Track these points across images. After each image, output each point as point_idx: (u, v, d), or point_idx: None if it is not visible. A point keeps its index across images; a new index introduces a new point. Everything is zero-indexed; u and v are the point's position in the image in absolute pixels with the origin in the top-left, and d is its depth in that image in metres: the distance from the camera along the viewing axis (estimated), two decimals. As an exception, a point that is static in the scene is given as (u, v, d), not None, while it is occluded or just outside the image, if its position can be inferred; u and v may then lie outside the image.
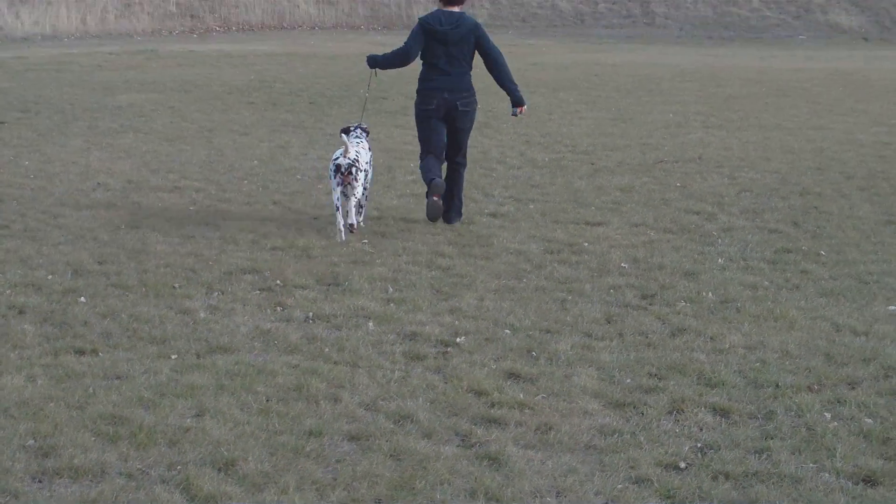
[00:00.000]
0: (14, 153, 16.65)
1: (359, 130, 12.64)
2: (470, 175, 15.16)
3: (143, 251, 11.19)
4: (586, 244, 11.75)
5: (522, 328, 9.06)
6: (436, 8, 12.63)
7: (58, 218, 12.58)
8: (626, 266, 10.97)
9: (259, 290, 10.02)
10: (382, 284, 10.22)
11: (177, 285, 10.06)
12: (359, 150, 12.11)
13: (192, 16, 47.53)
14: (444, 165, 12.75)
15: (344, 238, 11.80)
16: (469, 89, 12.57)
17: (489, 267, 10.88)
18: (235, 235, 11.85)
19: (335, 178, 11.86)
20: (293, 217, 12.82)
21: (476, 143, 17.81)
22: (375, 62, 12.93)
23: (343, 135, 12.25)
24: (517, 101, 12.71)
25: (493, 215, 13.08)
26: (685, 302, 9.83)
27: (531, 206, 13.56)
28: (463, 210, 12.90)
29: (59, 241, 11.54)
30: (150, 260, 10.88)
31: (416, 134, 12.83)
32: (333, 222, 12.07)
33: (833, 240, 12.09)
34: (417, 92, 12.71)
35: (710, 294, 10.05)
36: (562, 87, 26.22)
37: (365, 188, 12.22)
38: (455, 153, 12.80)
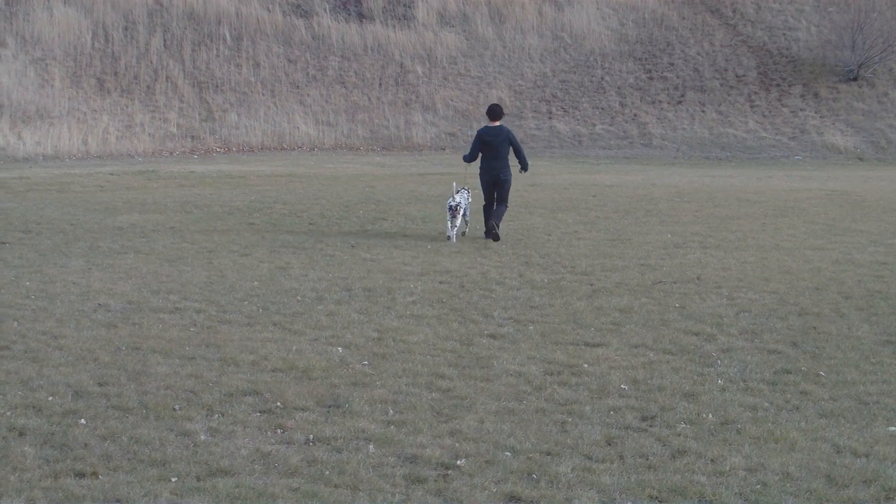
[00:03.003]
0: (15, 273, 16.69)
1: (464, 190, 21.74)
2: (469, 296, 15.33)
3: (143, 373, 11.19)
4: (586, 365, 11.75)
5: (523, 450, 9.05)
6: (485, 124, 21.79)
7: (58, 339, 12.58)
8: (626, 387, 10.96)
9: (259, 412, 10.01)
10: (383, 406, 10.22)
11: (177, 407, 10.06)
12: (461, 198, 21.21)
13: (192, 137, 47.94)
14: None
15: (453, 241, 20.94)
16: (506, 167, 21.28)
17: (489, 389, 10.88)
18: (236, 357, 11.85)
19: (449, 212, 20.94)
20: (294, 338, 12.83)
21: (475, 265, 17.93)
22: (466, 160, 21.74)
23: (455, 186, 22.27)
24: (524, 167, 21.80)
25: (493, 336, 13.09)
26: (685, 423, 9.83)
27: (531, 328, 13.58)
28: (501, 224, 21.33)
29: (59, 363, 11.54)
30: (150, 381, 10.88)
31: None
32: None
33: (832, 360, 12.10)
34: (480, 168, 21.48)
35: (710, 415, 10.05)
36: (560, 208, 26.38)
37: (465, 218, 21.70)
38: (501, 201, 21.34)
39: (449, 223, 21.13)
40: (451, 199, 21.22)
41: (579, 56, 55.43)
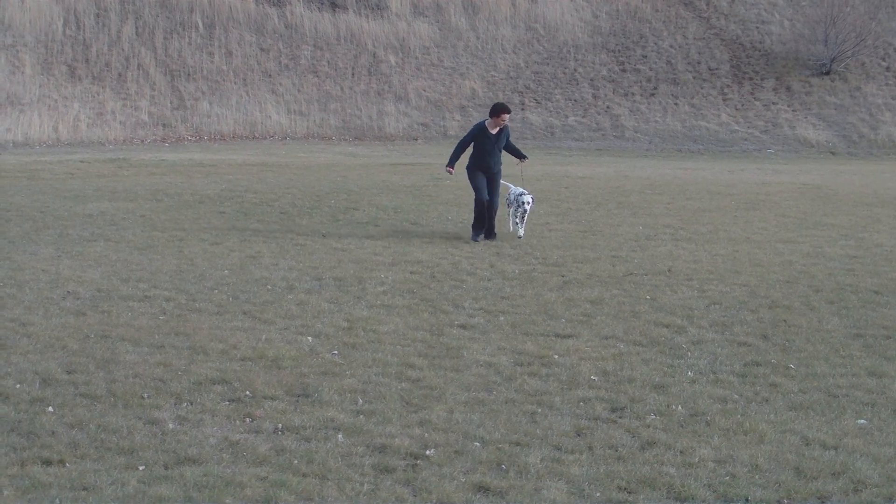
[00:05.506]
0: (-16, 261, 16.61)
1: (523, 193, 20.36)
2: (439, 287, 15.31)
3: (112, 361, 11.14)
4: (556, 357, 11.75)
5: (492, 441, 9.03)
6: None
7: (27, 326, 12.51)
8: (596, 379, 10.96)
9: (228, 400, 9.97)
10: (352, 396, 10.19)
11: (146, 395, 10.01)
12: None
13: (163, 125, 47.78)
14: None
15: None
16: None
17: (459, 379, 10.86)
18: (205, 345, 11.81)
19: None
20: (263, 327, 12.79)
21: (446, 255, 17.91)
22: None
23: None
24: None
25: (464, 327, 13.08)
26: (655, 415, 9.83)
27: (501, 318, 13.57)
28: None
29: (27, 350, 11.47)
30: (119, 370, 10.83)
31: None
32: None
33: (802, 353, 12.12)
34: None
35: (679, 407, 10.05)
36: (532, 199, 26.34)
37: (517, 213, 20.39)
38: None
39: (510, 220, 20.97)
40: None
41: (552, 47, 55.45)
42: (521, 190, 20.50)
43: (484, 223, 20.03)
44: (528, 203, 20.17)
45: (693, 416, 9.85)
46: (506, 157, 20.46)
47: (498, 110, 19.87)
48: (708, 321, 13.62)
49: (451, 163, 20.18)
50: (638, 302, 14.67)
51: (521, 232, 20.33)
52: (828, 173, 37.89)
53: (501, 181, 20.51)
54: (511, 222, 20.69)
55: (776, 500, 7.89)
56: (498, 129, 19.98)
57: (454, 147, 20.50)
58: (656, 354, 11.97)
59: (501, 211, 20.85)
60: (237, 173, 32.06)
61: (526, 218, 20.41)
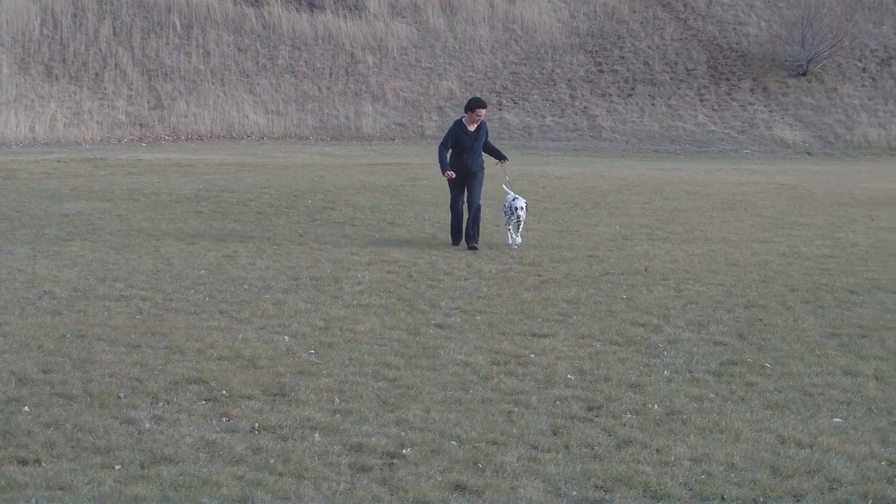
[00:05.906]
0: (-41, 261, 16.55)
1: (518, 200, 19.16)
2: (416, 286, 15.32)
3: (88, 360, 11.10)
4: (533, 356, 11.75)
5: (469, 440, 9.03)
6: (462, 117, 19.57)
7: (2, 326, 12.45)
8: (573, 378, 10.97)
9: (205, 400, 9.95)
10: (329, 395, 10.18)
11: (122, 395, 9.98)
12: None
13: (141, 125, 47.67)
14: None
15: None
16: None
17: (436, 378, 10.86)
18: (181, 345, 11.78)
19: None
20: (240, 327, 12.77)
21: (423, 255, 17.91)
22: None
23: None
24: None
25: (440, 326, 13.07)
26: (631, 414, 9.84)
27: (478, 318, 13.57)
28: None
29: (3, 350, 11.42)
30: (95, 369, 10.79)
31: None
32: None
33: (778, 352, 12.15)
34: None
35: (655, 406, 10.07)
36: (509, 199, 26.35)
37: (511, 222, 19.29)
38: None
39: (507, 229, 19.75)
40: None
41: (530, 48, 55.49)
42: (515, 195, 19.43)
43: (461, 233, 19.37)
44: (522, 209, 19.01)
45: (669, 414, 9.87)
46: (486, 159, 19.86)
47: (473, 105, 19.22)
48: (684, 320, 13.64)
49: (445, 167, 19.10)
50: (614, 301, 14.69)
51: (518, 241, 19.15)
52: (804, 174, 38.01)
53: (502, 186, 20.22)
54: (508, 234, 19.50)
55: (752, 498, 7.92)
56: (476, 125, 19.26)
57: (438, 153, 19.35)
58: (632, 353, 11.99)
59: (492, 216, 20.75)
60: (214, 173, 32.00)
61: (521, 226, 19.25)
